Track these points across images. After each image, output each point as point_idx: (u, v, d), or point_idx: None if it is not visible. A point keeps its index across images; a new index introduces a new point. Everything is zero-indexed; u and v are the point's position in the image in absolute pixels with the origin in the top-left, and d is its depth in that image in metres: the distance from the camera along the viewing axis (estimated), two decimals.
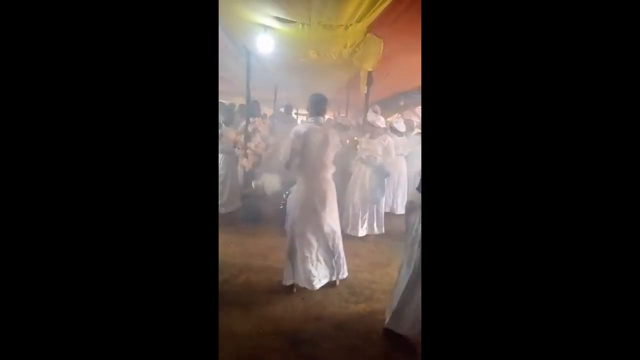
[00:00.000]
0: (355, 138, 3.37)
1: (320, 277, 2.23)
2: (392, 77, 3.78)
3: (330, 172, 2.24)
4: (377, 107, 3.82)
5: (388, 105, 5.33)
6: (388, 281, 2.32)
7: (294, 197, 2.23)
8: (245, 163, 3.30)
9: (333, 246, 2.25)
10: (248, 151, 3.29)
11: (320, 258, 2.24)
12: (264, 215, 3.65)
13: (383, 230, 3.33)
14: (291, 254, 2.20)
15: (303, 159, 2.11)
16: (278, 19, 2.27)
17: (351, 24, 2.26)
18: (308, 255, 2.19)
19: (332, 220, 2.25)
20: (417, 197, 1.64)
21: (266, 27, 2.45)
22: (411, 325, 1.67)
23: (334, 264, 2.27)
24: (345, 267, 2.32)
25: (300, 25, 2.33)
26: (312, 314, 1.99)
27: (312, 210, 2.18)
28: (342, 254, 2.30)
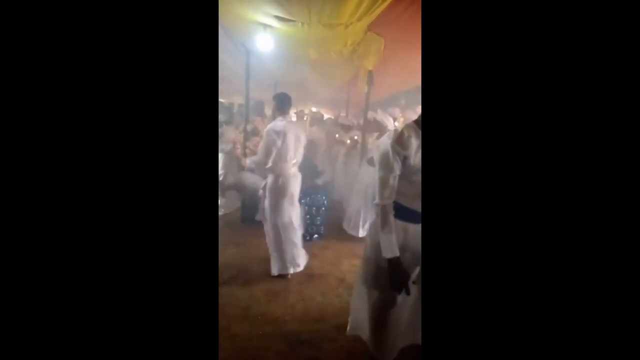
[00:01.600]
0: (355, 137, 3.35)
1: (302, 258, 2.53)
2: (393, 76, 3.77)
3: (298, 164, 2.47)
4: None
5: (389, 105, 5.30)
6: None
7: (272, 191, 2.37)
8: (244, 162, 3.29)
9: (301, 231, 2.56)
10: (247, 150, 3.28)
11: (300, 242, 2.53)
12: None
13: None
14: (278, 245, 2.40)
15: (280, 154, 2.28)
16: (278, 17, 2.26)
17: (351, 23, 2.24)
18: (295, 241, 2.46)
19: (299, 207, 2.55)
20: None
21: (266, 26, 2.43)
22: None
23: (303, 246, 2.56)
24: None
25: (300, 24, 2.32)
26: (312, 315, 1.99)
27: (290, 200, 2.40)
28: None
